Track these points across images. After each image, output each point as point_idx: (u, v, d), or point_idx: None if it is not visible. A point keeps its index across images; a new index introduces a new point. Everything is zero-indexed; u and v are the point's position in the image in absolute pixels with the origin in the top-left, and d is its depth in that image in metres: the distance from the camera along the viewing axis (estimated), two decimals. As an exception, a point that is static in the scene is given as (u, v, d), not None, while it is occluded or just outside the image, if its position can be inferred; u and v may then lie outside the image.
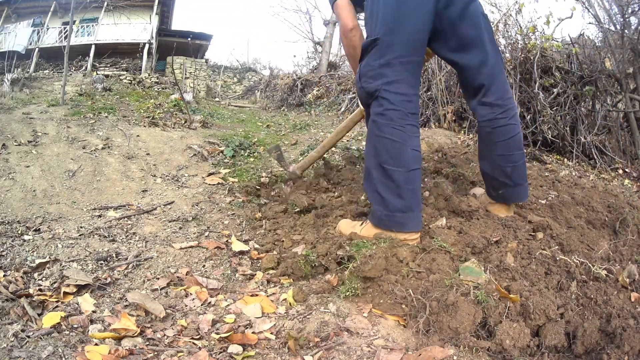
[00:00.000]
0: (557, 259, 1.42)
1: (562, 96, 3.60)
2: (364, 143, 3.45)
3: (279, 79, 9.11)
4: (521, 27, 3.96)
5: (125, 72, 12.02)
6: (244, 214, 2.21)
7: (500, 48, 3.98)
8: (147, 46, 13.66)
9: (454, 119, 4.09)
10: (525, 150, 3.38)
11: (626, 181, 3.25)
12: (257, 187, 2.56)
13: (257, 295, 1.41)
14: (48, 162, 2.72)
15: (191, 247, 1.80)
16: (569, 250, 1.51)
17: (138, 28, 13.81)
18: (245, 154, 3.30)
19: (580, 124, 3.64)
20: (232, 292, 1.46)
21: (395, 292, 1.26)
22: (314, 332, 1.12)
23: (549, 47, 3.69)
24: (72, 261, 1.61)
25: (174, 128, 3.90)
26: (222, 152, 3.26)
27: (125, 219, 2.07)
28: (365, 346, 1.07)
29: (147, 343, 1.13)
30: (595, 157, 3.58)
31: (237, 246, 1.79)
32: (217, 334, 1.17)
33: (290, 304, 1.34)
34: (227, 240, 1.91)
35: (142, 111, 4.59)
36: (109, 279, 1.49)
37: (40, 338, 1.08)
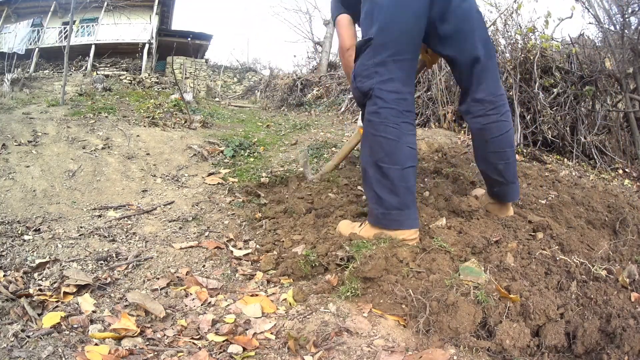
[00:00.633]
0: (557, 259, 1.42)
1: (562, 96, 3.60)
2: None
3: (279, 79, 9.11)
4: (520, 27, 3.96)
5: (125, 72, 12.02)
6: (244, 214, 2.21)
7: (500, 48, 3.99)
8: (147, 46, 13.66)
9: (454, 119, 4.09)
10: (525, 150, 3.40)
11: (626, 181, 3.25)
12: (257, 187, 2.56)
13: (257, 295, 1.41)
14: (48, 162, 2.72)
15: (191, 247, 1.80)
16: (569, 250, 1.51)
17: (138, 28, 13.81)
18: (245, 154, 3.30)
19: (580, 124, 3.64)
20: (232, 292, 1.46)
21: (395, 292, 1.26)
22: (314, 332, 1.12)
23: (548, 47, 3.69)
24: (72, 261, 1.61)
25: (174, 128, 3.90)
26: (222, 152, 3.26)
27: (125, 219, 2.07)
28: (365, 346, 1.07)
29: (147, 343, 1.13)
30: (595, 157, 3.58)
31: (238, 253, 1.79)
32: (217, 334, 1.17)
33: (290, 304, 1.34)
34: (227, 240, 1.91)
35: (142, 111, 4.59)
36: (109, 279, 1.49)
37: (40, 338, 1.08)
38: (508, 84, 3.72)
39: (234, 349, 1.10)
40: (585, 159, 3.62)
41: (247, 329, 1.20)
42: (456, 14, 1.51)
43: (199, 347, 1.11)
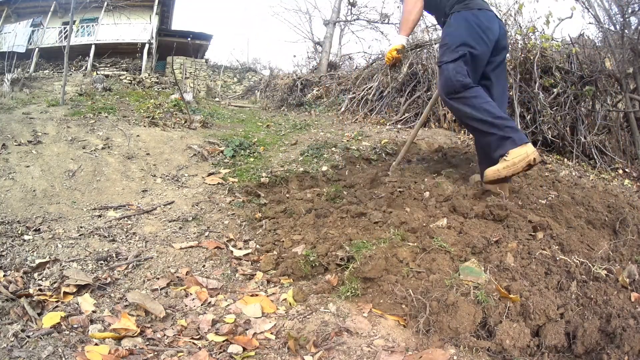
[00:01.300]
0: (557, 259, 1.42)
1: (562, 96, 3.60)
2: (364, 143, 3.46)
3: (279, 79, 9.11)
4: (521, 27, 3.96)
5: (125, 72, 12.01)
6: (244, 214, 2.21)
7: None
8: (147, 46, 13.65)
9: (454, 119, 4.09)
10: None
11: (626, 181, 3.25)
12: (257, 187, 2.56)
13: (257, 295, 1.41)
14: (48, 162, 2.72)
15: (191, 247, 1.80)
16: (569, 250, 1.51)
17: (138, 28, 13.80)
18: (245, 154, 3.30)
19: (580, 124, 3.64)
20: (232, 292, 1.46)
21: (395, 292, 1.26)
22: (314, 332, 1.12)
23: (548, 47, 3.69)
24: (72, 261, 1.61)
25: (174, 128, 3.90)
26: (222, 152, 3.26)
27: (125, 219, 2.07)
28: (365, 346, 1.07)
29: (147, 343, 1.13)
30: (595, 157, 3.58)
31: (238, 253, 1.79)
32: (217, 334, 1.17)
33: (290, 304, 1.34)
34: (227, 240, 1.91)
35: (142, 111, 4.59)
36: (109, 279, 1.49)
37: (40, 338, 1.08)
38: (508, 84, 3.72)
39: (234, 349, 1.10)
40: (585, 159, 3.62)
41: (247, 329, 1.20)
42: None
43: (199, 347, 1.11)
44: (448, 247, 1.44)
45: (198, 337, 1.18)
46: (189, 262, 1.69)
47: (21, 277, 1.45)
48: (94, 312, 1.28)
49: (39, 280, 1.47)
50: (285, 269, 1.54)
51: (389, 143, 3.41)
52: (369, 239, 1.56)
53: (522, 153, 1.78)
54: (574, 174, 3.11)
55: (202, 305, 1.37)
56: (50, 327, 1.14)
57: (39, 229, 1.91)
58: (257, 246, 1.83)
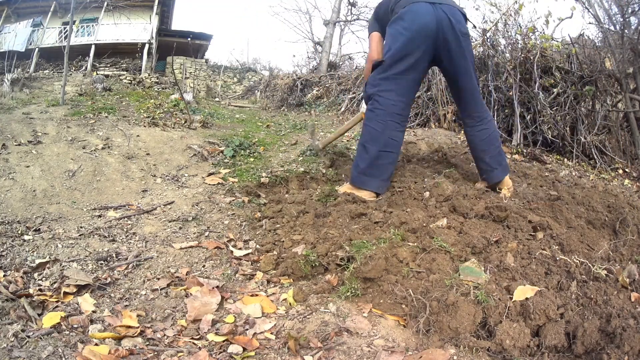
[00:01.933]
0: (557, 259, 1.42)
1: (562, 96, 3.60)
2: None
3: (279, 79, 9.09)
4: (521, 27, 3.96)
5: (125, 72, 12.01)
6: (244, 214, 2.21)
7: (500, 48, 3.99)
8: (147, 46, 13.65)
9: (453, 119, 4.09)
10: (525, 150, 3.41)
11: (626, 181, 3.25)
12: (257, 187, 2.56)
13: (257, 295, 1.41)
14: (48, 162, 2.72)
15: (191, 247, 1.80)
16: (569, 250, 1.51)
17: (138, 28, 13.79)
18: (245, 154, 3.30)
19: (580, 124, 3.64)
20: (232, 292, 1.46)
21: (396, 292, 1.26)
22: (314, 332, 1.12)
23: (548, 47, 3.69)
24: (72, 261, 1.61)
25: (174, 128, 3.89)
26: (222, 152, 3.26)
27: (125, 219, 2.07)
28: (365, 346, 1.07)
29: (147, 343, 1.13)
30: (595, 157, 3.58)
31: (238, 253, 1.79)
32: (217, 334, 1.17)
33: (290, 304, 1.34)
34: (227, 240, 1.91)
35: (142, 111, 4.58)
36: (109, 279, 1.49)
37: (40, 338, 1.08)
38: (508, 84, 3.73)
39: (234, 349, 1.10)
40: (585, 159, 3.62)
41: (247, 329, 1.20)
42: (455, 52, 2.00)
43: (199, 347, 1.11)
44: (448, 247, 1.44)
45: (198, 337, 1.18)
46: (189, 262, 1.69)
47: (21, 277, 1.45)
48: (94, 312, 1.28)
49: (39, 280, 1.47)
50: (285, 269, 1.54)
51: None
52: (369, 239, 1.56)
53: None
54: (574, 174, 3.11)
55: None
56: (50, 327, 1.14)
57: (39, 229, 1.91)
58: (257, 246, 1.83)
